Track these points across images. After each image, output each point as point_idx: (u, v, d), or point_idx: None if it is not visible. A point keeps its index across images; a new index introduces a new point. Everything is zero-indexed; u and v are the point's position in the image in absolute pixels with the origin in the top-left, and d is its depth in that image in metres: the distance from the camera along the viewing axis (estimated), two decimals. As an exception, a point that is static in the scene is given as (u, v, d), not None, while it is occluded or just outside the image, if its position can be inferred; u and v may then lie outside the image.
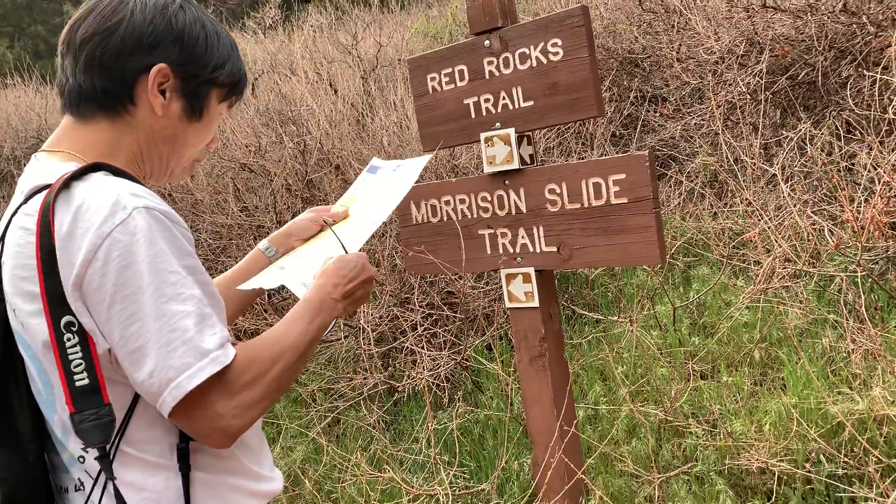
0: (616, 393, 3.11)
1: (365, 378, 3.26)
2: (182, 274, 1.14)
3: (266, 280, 1.51)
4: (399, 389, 3.33)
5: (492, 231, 2.80)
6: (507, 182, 2.72)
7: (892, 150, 3.42)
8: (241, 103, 6.37)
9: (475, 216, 2.84)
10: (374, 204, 1.65)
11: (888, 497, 2.29)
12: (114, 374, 1.16)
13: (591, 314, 3.68)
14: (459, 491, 2.73)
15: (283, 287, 1.49)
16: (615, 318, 3.47)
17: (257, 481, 1.32)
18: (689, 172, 4.79)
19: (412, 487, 2.66)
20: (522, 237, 2.73)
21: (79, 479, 1.23)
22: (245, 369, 1.16)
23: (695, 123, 4.97)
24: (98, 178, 1.19)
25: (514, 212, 2.73)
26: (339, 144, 5.35)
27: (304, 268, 1.51)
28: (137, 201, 1.15)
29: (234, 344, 1.20)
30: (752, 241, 3.29)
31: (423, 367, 3.14)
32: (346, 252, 1.47)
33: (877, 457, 2.44)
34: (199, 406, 1.13)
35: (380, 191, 1.71)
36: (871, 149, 3.71)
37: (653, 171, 2.43)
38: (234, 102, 1.43)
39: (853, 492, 2.37)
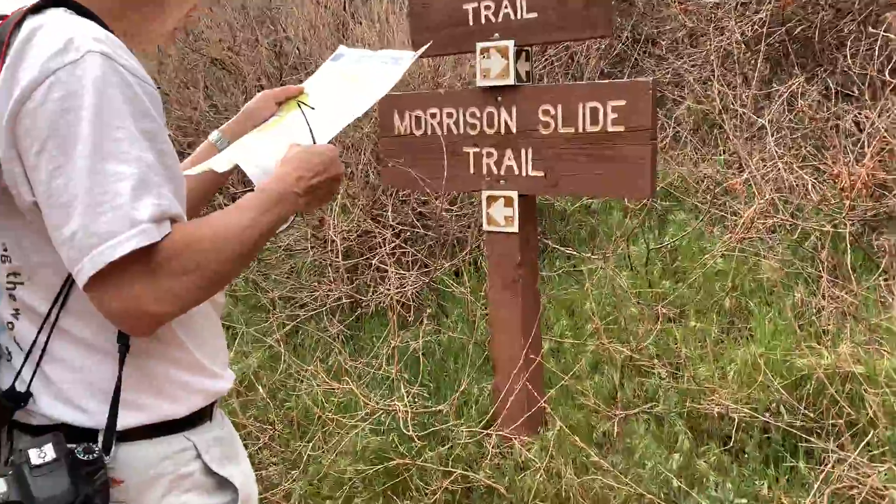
0: (582, 328, 3.07)
1: (329, 290, 3.16)
2: (134, 133, 1.00)
3: (217, 162, 1.34)
4: (363, 305, 3.24)
5: (477, 150, 2.68)
6: (499, 98, 2.59)
7: (885, 112, 3.37)
8: (219, 2, 6.01)
9: (461, 132, 2.70)
10: (349, 95, 1.47)
11: (842, 450, 2.31)
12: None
13: (563, 248, 3.61)
14: (417, 409, 2.68)
15: (237, 169, 1.34)
16: (588, 255, 3.41)
17: (205, 377, 1.21)
18: (676, 117, 4.69)
19: (370, 402, 2.60)
20: (509, 159, 2.61)
21: (6, 348, 1.13)
22: (179, 252, 1.02)
23: (686, 68, 4.85)
24: (57, 13, 1.04)
25: (503, 131, 2.60)
26: (317, 51, 5.10)
27: (263, 151, 1.36)
28: (96, 45, 1.00)
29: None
30: (734, 189, 3.24)
31: (391, 285, 3.04)
32: (315, 142, 1.32)
33: (844, 411, 2.45)
34: (117, 282, 0.99)
35: (354, 82, 1.52)
36: (862, 108, 3.66)
37: (654, 101, 2.32)
38: None
39: (811, 443, 2.39)
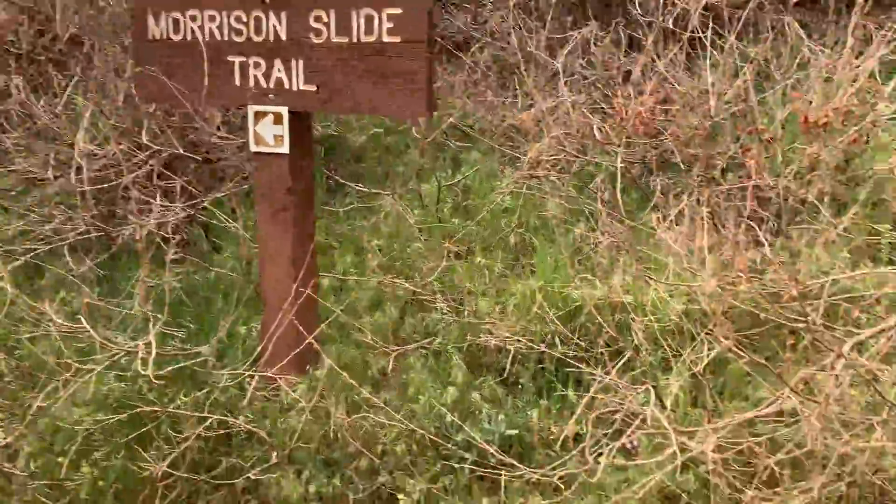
0: (368, 265, 2.90)
1: (72, 221, 2.73)
2: None
3: None
4: (118, 240, 2.84)
5: (244, 59, 2.38)
6: (266, 1, 2.30)
7: (666, 58, 3.47)
8: None
9: (226, 39, 2.40)
10: None
11: (609, 377, 2.33)
12: None
13: (354, 185, 3.42)
14: (173, 352, 2.38)
15: None
16: (378, 191, 3.24)
17: None
18: (476, 61, 4.63)
19: (111, 346, 2.26)
20: (279, 70, 2.35)
21: None
22: None
23: (489, 12, 4.80)
24: None
25: (272, 39, 2.33)
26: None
27: None
28: None
29: None
30: (523, 126, 3.20)
31: (150, 217, 2.68)
32: None
33: (613, 338, 2.49)
34: None
35: None
36: (649, 56, 3.77)
37: (432, 12, 2.15)
38: None
39: (581, 371, 2.38)
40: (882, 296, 2.38)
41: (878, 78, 3.11)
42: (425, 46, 2.14)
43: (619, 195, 3.08)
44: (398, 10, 2.14)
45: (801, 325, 2.05)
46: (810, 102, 3.17)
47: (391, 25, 2.16)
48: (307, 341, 2.31)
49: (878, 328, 1.84)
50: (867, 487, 1.93)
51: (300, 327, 2.37)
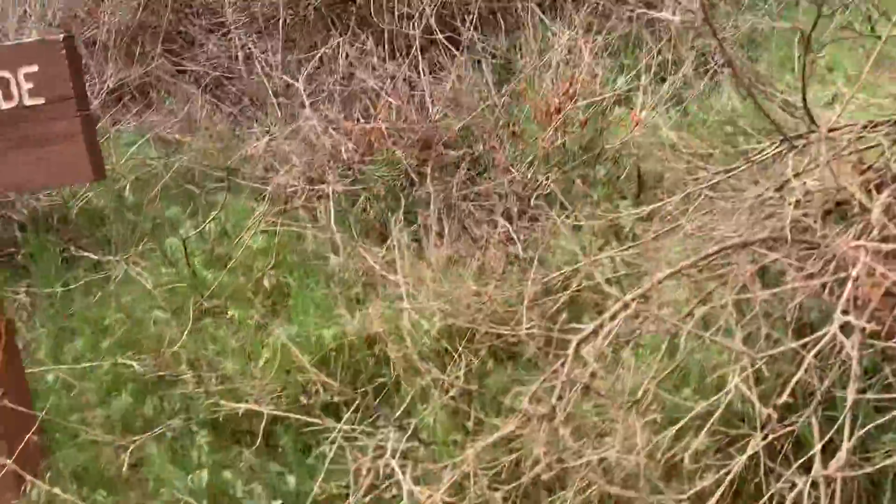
0: (99, 347, 2.58)
1: None
2: None
3: None
4: None
5: None
6: None
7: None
8: None
9: None
10: None
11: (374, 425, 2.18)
12: None
13: (92, 254, 3.06)
14: None
15: None
16: (115, 258, 2.91)
17: None
18: (234, 94, 4.38)
19: None
20: (-86, 155, 1.99)
21: None
22: None
23: (239, 38, 4.53)
24: None
25: None
26: None
27: None
28: None
29: None
30: (255, 157, 2.99)
31: None
32: None
33: (372, 374, 2.35)
34: None
35: None
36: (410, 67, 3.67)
37: (73, 62, 1.89)
38: None
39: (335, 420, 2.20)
40: (623, 276, 2.38)
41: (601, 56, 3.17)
42: (75, 103, 1.88)
43: (382, 217, 2.96)
44: (34, 68, 1.86)
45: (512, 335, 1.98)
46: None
47: (31, 86, 1.88)
48: (7, 467, 1.97)
49: (597, 321, 1.79)
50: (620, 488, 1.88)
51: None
